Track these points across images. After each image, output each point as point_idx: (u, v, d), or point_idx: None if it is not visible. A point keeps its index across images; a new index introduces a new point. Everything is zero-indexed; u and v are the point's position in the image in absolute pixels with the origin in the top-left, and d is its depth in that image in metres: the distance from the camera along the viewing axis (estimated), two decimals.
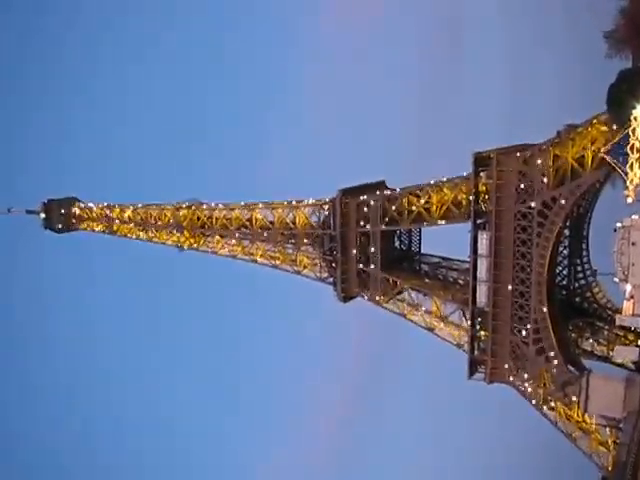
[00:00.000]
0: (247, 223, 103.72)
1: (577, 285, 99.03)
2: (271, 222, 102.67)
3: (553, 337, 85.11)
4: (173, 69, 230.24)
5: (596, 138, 78.59)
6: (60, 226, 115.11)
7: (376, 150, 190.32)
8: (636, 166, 66.69)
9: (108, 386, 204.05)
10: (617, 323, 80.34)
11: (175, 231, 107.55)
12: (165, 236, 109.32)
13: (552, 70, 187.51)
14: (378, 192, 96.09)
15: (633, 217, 70.97)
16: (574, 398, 77.56)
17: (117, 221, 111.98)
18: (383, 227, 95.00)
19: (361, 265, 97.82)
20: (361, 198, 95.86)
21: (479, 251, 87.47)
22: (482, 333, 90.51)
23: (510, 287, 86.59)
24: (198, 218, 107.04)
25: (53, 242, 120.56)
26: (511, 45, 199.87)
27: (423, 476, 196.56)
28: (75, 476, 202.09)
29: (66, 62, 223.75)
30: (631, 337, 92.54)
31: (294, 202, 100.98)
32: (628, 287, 72.92)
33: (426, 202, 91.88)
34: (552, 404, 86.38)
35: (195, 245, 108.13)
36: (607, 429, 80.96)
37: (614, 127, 73.14)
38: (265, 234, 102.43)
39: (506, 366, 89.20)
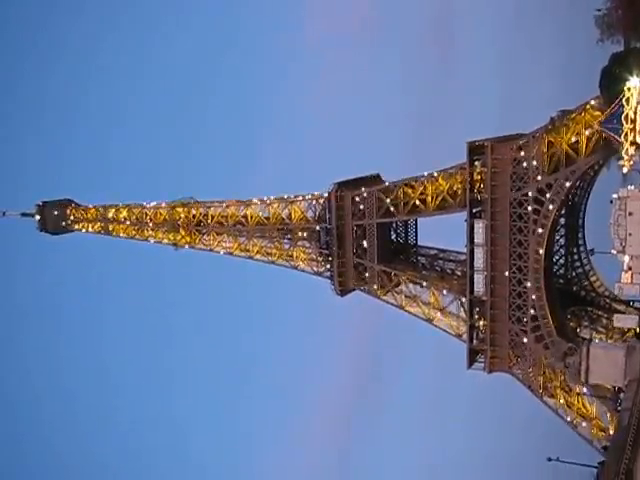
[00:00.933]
0: (242, 220, 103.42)
1: (574, 274, 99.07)
2: (267, 218, 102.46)
3: (552, 324, 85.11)
4: (167, 69, 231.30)
5: (590, 123, 78.65)
6: (55, 228, 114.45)
7: (370, 146, 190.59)
8: (630, 136, 66.66)
9: (108, 386, 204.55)
10: (616, 292, 79.61)
11: (171, 230, 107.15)
12: (161, 235, 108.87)
13: (545, 58, 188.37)
14: (373, 185, 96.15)
15: (629, 188, 70.88)
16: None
17: (113, 221, 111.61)
18: (379, 219, 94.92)
19: (358, 258, 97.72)
20: (356, 191, 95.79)
21: (475, 240, 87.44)
22: (481, 323, 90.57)
23: (507, 275, 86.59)
24: (194, 216, 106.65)
25: (49, 244, 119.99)
26: (503, 38, 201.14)
27: (423, 475, 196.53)
28: (76, 476, 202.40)
29: (62, 63, 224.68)
30: None
31: (289, 197, 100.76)
32: (626, 258, 72.61)
33: (421, 193, 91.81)
34: (552, 391, 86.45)
35: (191, 243, 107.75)
36: (607, 415, 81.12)
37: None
38: (261, 230, 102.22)
39: (505, 355, 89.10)
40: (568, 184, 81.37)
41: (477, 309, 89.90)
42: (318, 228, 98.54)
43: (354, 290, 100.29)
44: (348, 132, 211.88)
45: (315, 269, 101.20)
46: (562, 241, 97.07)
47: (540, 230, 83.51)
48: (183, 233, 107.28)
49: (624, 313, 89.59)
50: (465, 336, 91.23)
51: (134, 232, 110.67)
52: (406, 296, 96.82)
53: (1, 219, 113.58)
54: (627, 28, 74.52)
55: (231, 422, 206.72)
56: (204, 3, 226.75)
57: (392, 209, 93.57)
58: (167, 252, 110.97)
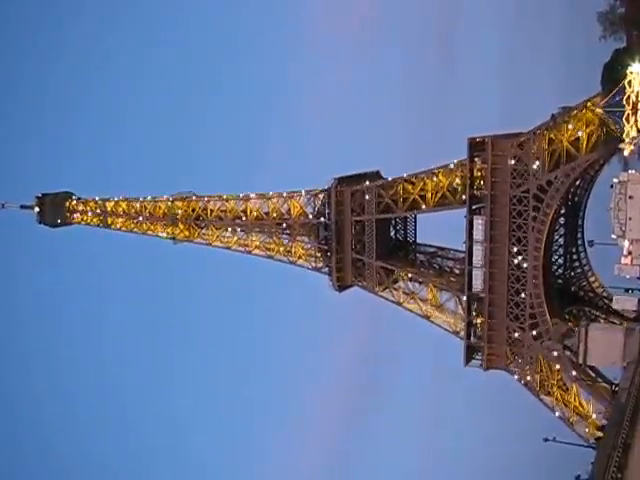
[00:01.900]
0: (242, 214, 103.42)
1: (573, 274, 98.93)
2: (266, 213, 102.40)
3: (550, 322, 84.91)
4: (169, 65, 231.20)
5: (591, 120, 78.69)
6: (54, 220, 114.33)
7: (371, 143, 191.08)
8: (632, 118, 66.57)
9: (108, 386, 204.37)
10: (616, 272, 79.10)
11: (169, 223, 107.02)
12: (160, 229, 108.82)
13: (546, 56, 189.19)
14: (373, 181, 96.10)
15: (630, 172, 70.63)
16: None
17: (112, 214, 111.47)
18: (378, 215, 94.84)
19: (356, 254, 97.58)
20: (356, 186, 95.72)
21: (475, 236, 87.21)
22: (479, 320, 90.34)
23: (506, 272, 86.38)
24: (193, 210, 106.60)
25: (48, 237, 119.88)
26: (503, 36, 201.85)
27: (422, 475, 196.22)
28: (76, 476, 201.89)
29: (64, 59, 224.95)
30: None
31: (288, 192, 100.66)
32: (626, 243, 72.29)
33: (421, 189, 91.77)
34: (549, 389, 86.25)
35: (190, 237, 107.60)
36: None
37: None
38: (260, 225, 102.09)
39: (503, 352, 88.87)
40: (568, 181, 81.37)
41: (475, 306, 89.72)
42: (317, 223, 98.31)
43: (352, 286, 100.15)
44: (349, 129, 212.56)
45: (313, 264, 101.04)
46: (561, 241, 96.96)
47: (540, 227, 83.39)
48: (182, 227, 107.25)
49: (621, 314, 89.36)
50: (463, 333, 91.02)
51: (133, 225, 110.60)
52: (404, 293, 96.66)
53: (0, 211, 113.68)
54: (630, 24, 74.46)
55: (230, 422, 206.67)
56: (205, 2, 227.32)
57: (392, 205, 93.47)
58: (166, 247, 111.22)
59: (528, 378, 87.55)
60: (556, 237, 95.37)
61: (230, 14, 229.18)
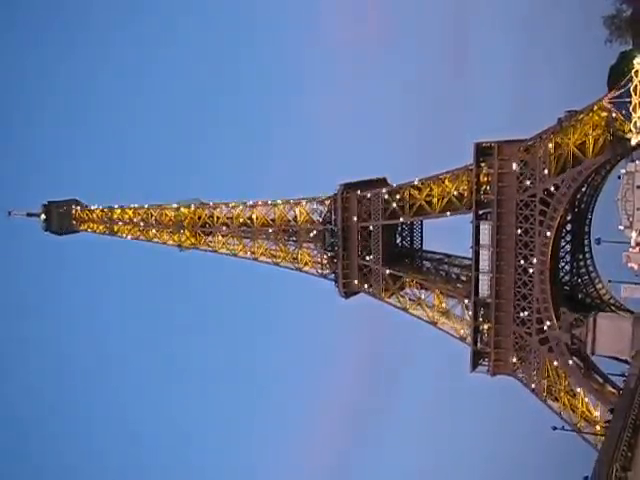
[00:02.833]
0: (248, 221, 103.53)
1: (580, 281, 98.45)
2: (272, 220, 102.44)
3: (557, 326, 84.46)
4: (174, 70, 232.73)
5: (597, 124, 78.71)
6: (60, 228, 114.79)
7: (379, 149, 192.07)
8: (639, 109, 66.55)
9: (108, 385, 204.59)
10: (624, 261, 78.23)
11: (176, 231, 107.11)
12: (166, 236, 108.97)
13: (554, 60, 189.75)
14: (379, 187, 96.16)
15: (637, 162, 70.41)
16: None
17: (118, 222, 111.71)
18: (385, 221, 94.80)
19: (363, 260, 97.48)
20: (362, 192, 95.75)
21: (481, 242, 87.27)
22: (485, 326, 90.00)
23: (513, 277, 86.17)
24: (199, 217, 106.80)
25: (55, 245, 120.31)
26: (513, 40, 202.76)
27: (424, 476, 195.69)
28: (76, 476, 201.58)
29: (71, 64, 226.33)
30: None
31: (295, 199, 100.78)
32: (633, 234, 71.79)
33: (427, 195, 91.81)
34: (556, 395, 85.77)
35: (196, 244, 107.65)
36: None
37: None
38: (266, 232, 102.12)
39: (509, 357, 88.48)
40: (575, 185, 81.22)
41: (481, 311, 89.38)
42: (323, 229, 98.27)
43: (359, 292, 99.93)
44: (357, 135, 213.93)
45: (320, 271, 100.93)
46: (568, 247, 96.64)
47: (546, 231, 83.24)
48: (188, 234, 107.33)
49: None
50: (469, 339, 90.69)
51: (139, 233, 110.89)
52: (410, 299, 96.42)
53: (7, 219, 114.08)
54: (635, 28, 74.70)
55: (231, 422, 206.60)
56: (213, 6, 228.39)
57: (398, 211, 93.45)
58: (172, 254, 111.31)
59: (535, 384, 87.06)
60: (562, 244, 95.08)
61: (237, 20, 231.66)
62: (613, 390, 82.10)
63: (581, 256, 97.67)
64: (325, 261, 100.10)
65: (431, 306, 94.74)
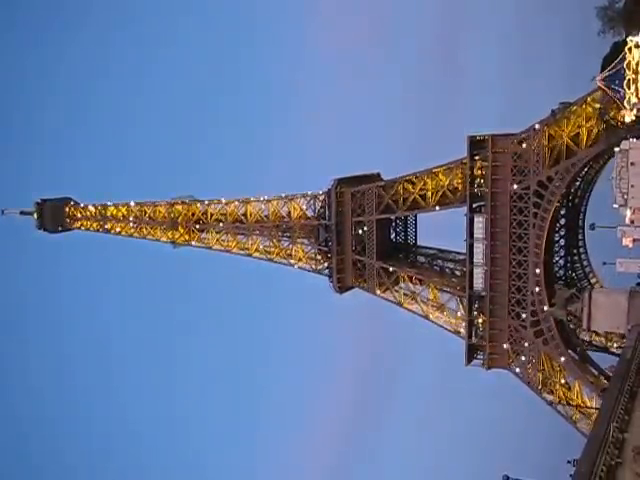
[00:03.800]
0: (242, 217, 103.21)
1: (574, 275, 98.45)
2: (266, 216, 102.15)
3: (552, 319, 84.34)
4: (174, 70, 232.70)
5: (591, 115, 78.91)
6: (54, 226, 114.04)
7: (372, 145, 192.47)
8: (633, 86, 66.51)
9: (109, 386, 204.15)
10: (618, 235, 77.28)
11: (169, 227, 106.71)
12: (159, 233, 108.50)
13: (546, 53, 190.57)
14: (373, 182, 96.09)
15: (631, 140, 70.20)
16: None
17: (111, 219, 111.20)
18: (378, 215, 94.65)
19: (357, 255, 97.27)
20: (356, 187, 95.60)
21: (475, 235, 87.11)
22: (480, 320, 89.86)
23: (507, 270, 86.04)
24: (193, 214, 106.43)
25: (48, 243, 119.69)
26: (504, 35, 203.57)
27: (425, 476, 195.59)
28: (76, 476, 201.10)
29: (67, 63, 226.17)
30: None
31: (288, 195, 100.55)
32: (628, 212, 71.46)
33: (421, 189, 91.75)
34: (551, 388, 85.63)
35: (190, 241, 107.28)
36: None
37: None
38: (260, 228, 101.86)
39: (504, 351, 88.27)
40: (569, 176, 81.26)
41: (476, 305, 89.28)
42: (317, 225, 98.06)
43: (353, 287, 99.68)
44: (350, 132, 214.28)
45: (314, 266, 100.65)
46: (562, 242, 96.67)
47: (540, 223, 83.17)
48: (182, 231, 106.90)
49: None
50: (464, 333, 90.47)
51: (132, 230, 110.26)
52: (405, 294, 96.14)
53: (3, 218, 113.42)
54: (628, 19, 74.81)
55: (231, 422, 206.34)
56: (213, 4, 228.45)
57: (392, 205, 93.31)
58: (172, 254, 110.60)
59: (530, 377, 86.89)
60: (557, 238, 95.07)
61: (237, 20, 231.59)
62: (607, 383, 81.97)
63: (575, 251, 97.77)
64: (319, 256, 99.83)
65: (426, 301, 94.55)
